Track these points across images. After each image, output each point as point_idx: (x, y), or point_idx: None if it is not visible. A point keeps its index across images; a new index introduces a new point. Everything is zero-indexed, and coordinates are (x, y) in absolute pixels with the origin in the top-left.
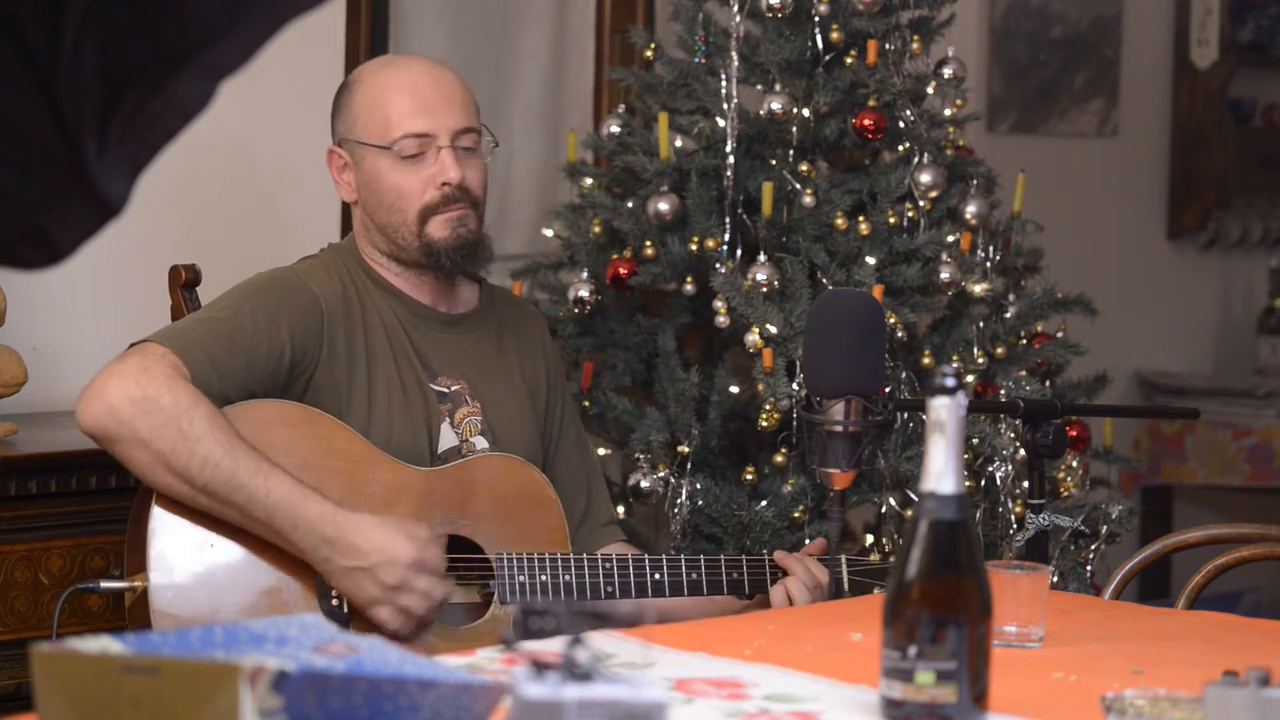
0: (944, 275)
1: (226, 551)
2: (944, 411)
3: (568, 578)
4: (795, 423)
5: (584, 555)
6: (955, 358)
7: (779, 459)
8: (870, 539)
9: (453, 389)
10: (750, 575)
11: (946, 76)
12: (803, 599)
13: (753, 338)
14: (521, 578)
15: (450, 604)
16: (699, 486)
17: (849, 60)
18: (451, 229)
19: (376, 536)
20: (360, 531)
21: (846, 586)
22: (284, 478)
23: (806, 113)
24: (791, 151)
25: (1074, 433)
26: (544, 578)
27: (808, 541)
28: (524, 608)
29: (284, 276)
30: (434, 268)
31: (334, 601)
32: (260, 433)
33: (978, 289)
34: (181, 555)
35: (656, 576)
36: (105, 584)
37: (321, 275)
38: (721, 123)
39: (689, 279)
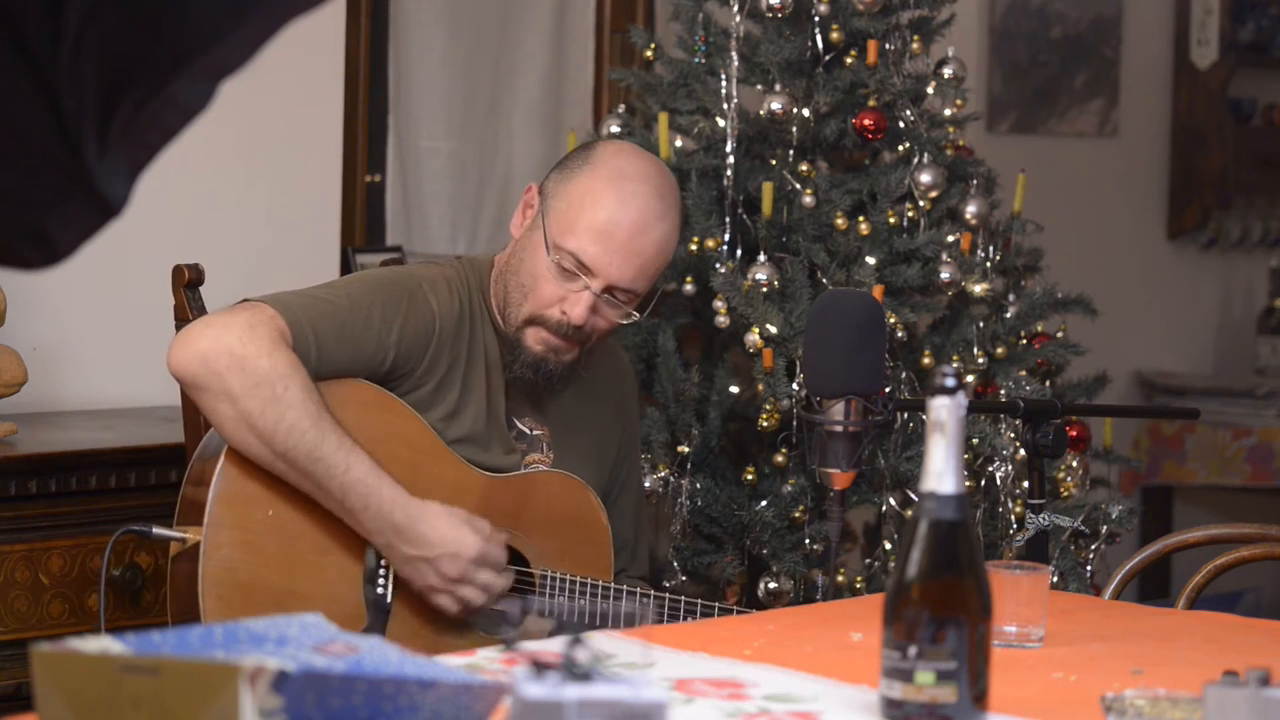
0: (944, 275)
1: (283, 521)
2: (944, 411)
3: (604, 606)
4: (795, 423)
5: (624, 587)
6: (955, 358)
7: (779, 459)
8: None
9: (534, 432)
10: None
11: (946, 76)
12: None
13: (753, 338)
14: (560, 598)
15: (489, 611)
16: (699, 486)
17: (849, 60)
18: (545, 349)
19: (444, 528)
20: (429, 521)
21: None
22: (364, 458)
23: (806, 113)
24: (791, 151)
25: (1074, 433)
26: (582, 602)
27: (808, 542)
28: (524, 608)
29: (408, 281)
30: (508, 362)
31: (379, 590)
32: (335, 407)
33: (978, 289)
34: (240, 518)
35: (690, 620)
36: (158, 530)
37: (444, 291)
38: (721, 123)
39: (689, 279)
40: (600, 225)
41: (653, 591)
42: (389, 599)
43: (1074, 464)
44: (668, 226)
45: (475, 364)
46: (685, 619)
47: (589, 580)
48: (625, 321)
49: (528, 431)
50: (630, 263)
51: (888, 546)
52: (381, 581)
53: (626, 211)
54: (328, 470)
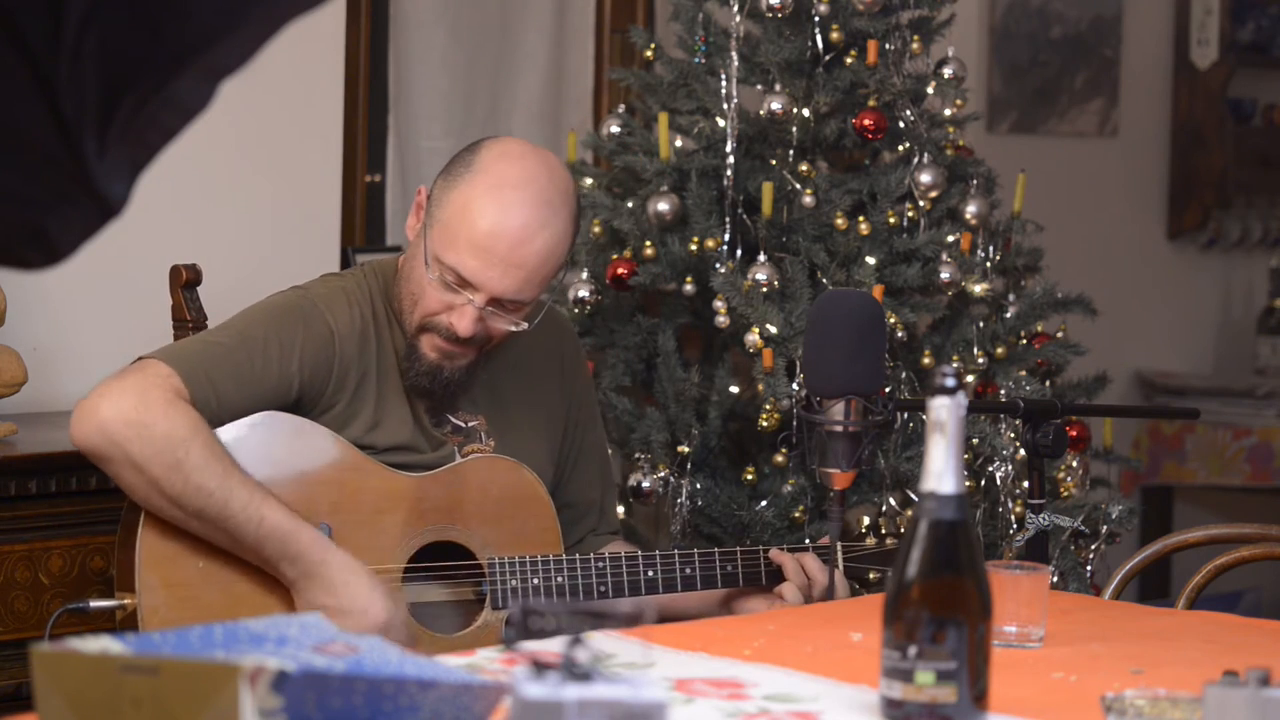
0: (944, 275)
1: (215, 569)
2: (944, 411)
3: (560, 579)
4: (795, 423)
5: (575, 556)
6: (955, 358)
7: (779, 459)
8: (867, 520)
9: (470, 424)
10: (745, 569)
11: (946, 76)
12: (793, 599)
13: (753, 338)
14: (514, 581)
15: (443, 610)
16: (699, 486)
17: (849, 60)
18: (439, 356)
19: (358, 584)
20: (344, 573)
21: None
22: (277, 507)
23: (806, 113)
24: (791, 151)
25: (1074, 433)
26: (536, 580)
27: (808, 542)
28: (524, 608)
29: (300, 304)
30: (405, 369)
31: None
32: (247, 442)
33: (978, 289)
34: (170, 576)
35: (650, 574)
36: (95, 603)
37: (341, 305)
38: (721, 123)
39: (689, 279)
40: (479, 239)
41: (624, 551)
42: None
43: (1074, 464)
44: (554, 232)
45: (386, 371)
46: (649, 573)
47: (539, 557)
48: (515, 329)
49: (462, 425)
50: (513, 275)
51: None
52: None
53: (507, 222)
54: (240, 527)
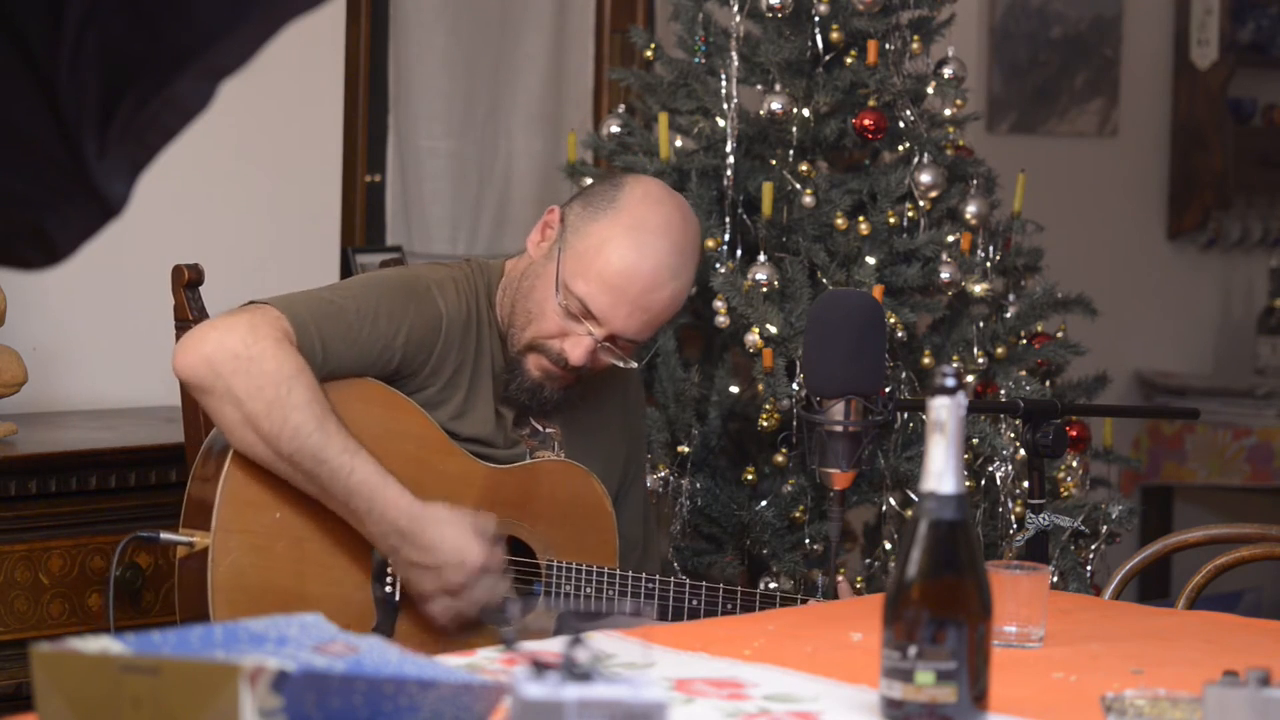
0: (944, 275)
1: (291, 523)
2: (944, 411)
3: (610, 593)
4: (795, 423)
5: (629, 573)
6: (955, 358)
7: (779, 459)
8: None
9: (546, 430)
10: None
11: (946, 76)
12: None
13: (753, 338)
14: (567, 587)
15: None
16: (699, 486)
17: (849, 60)
18: (543, 376)
19: (450, 536)
20: (436, 527)
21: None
22: (369, 461)
23: (806, 113)
24: (791, 151)
25: (1074, 433)
26: (589, 590)
27: (808, 542)
28: (564, 610)
29: (416, 281)
30: (505, 380)
31: (387, 589)
32: (339, 405)
33: (978, 289)
34: (248, 521)
35: (694, 603)
36: (166, 535)
37: (451, 292)
38: (721, 123)
39: None
40: (613, 277)
41: (661, 578)
42: (397, 597)
43: (1074, 464)
44: (681, 283)
45: (481, 366)
46: (693, 602)
47: (595, 568)
48: (623, 366)
49: (540, 430)
50: (638, 317)
51: (888, 546)
52: (390, 580)
53: (642, 265)
54: (332, 473)
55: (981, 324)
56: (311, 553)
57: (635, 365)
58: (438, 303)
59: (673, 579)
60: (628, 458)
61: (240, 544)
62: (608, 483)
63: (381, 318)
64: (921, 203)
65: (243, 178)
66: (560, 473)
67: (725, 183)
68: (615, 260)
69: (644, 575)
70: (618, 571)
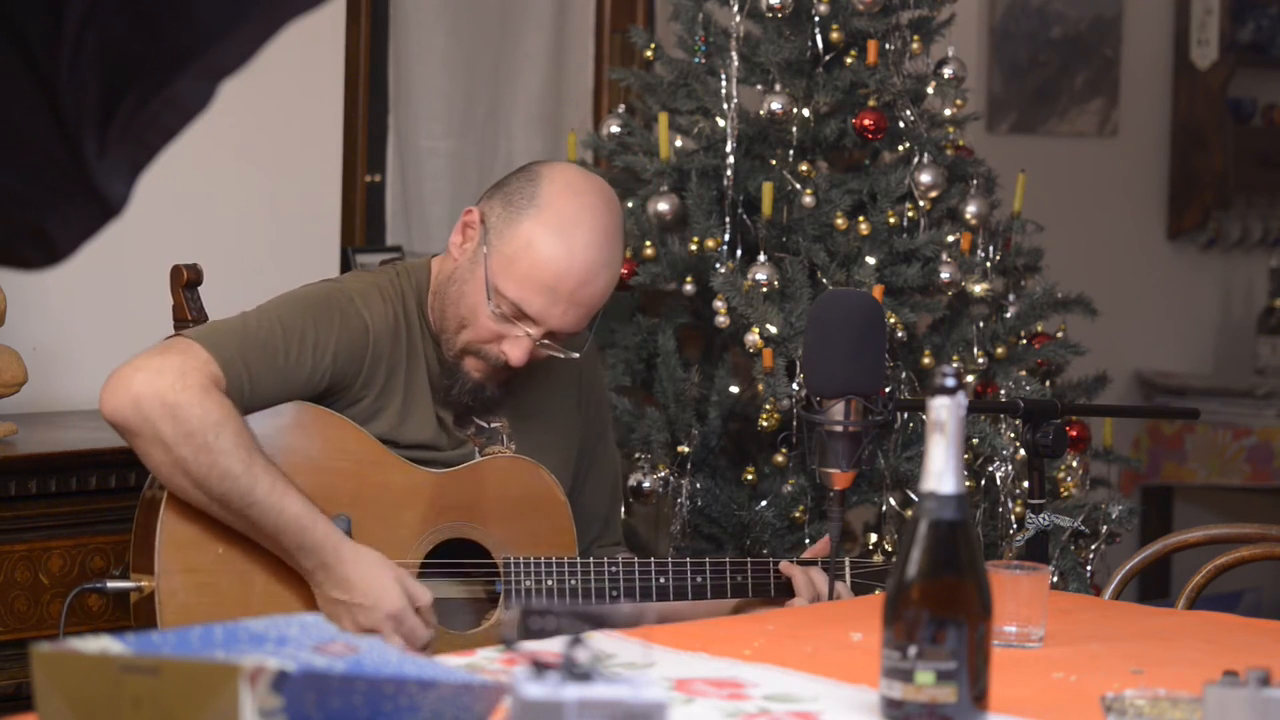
0: (944, 275)
1: (234, 557)
2: (944, 411)
3: (573, 582)
4: (795, 423)
5: (590, 560)
6: (955, 358)
7: (779, 459)
8: (874, 538)
9: (492, 425)
10: (754, 579)
11: (946, 76)
12: None
13: (753, 338)
14: (527, 582)
15: (457, 606)
16: (699, 486)
17: (849, 60)
18: (483, 377)
19: (370, 577)
20: (356, 568)
21: (849, 590)
22: (298, 499)
23: (806, 113)
24: (791, 151)
25: (1074, 433)
26: (550, 582)
27: (808, 542)
28: (525, 608)
29: (338, 297)
30: (446, 384)
31: None
32: (274, 434)
33: (978, 289)
34: (190, 560)
35: (661, 581)
36: (112, 584)
37: (376, 301)
38: (721, 123)
39: (689, 279)
40: (545, 278)
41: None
42: None
43: (1074, 464)
44: (614, 270)
45: (415, 371)
46: (660, 580)
47: (553, 560)
48: (564, 357)
49: (486, 425)
50: (574, 313)
51: (888, 547)
52: None
53: (572, 263)
54: (262, 513)
55: (981, 324)
56: (258, 583)
57: (576, 356)
58: (362, 314)
59: (636, 559)
60: (585, 434)
61: (185, 584)
62: (564, 465)
63: (308, 340)
64: (921, 203)
65: (243, 178)
66: (508, 469)
67: (725, 183)
68: (544, 261)
69: (605, 560)
70: (578, 560)
